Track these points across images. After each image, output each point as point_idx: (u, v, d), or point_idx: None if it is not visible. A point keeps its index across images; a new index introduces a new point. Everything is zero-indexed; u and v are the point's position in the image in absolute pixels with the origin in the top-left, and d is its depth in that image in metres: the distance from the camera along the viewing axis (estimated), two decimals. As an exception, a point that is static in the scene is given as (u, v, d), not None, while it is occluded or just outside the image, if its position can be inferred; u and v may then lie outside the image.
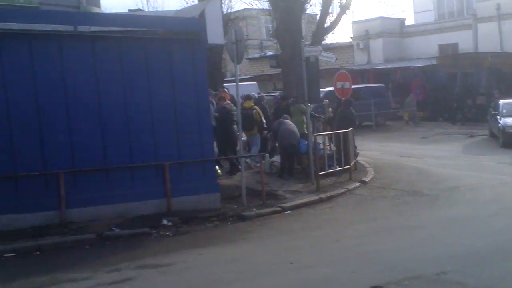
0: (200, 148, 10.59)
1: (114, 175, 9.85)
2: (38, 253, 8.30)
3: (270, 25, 38.21)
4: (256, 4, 28.78)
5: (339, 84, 15.34)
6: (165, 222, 9.65)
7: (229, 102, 14.45)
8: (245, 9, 35.93)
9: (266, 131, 14.67)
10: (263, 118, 14.66)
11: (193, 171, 10.50)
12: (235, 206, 10.79)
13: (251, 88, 24.28)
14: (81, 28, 10.14)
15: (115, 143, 9.88)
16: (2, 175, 8.99)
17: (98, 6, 16.89)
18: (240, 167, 11.86)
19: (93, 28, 10.44)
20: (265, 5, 26.53)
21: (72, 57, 9.63)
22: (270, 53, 37.33)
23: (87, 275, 7.08)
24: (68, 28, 10.02)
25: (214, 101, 14.05)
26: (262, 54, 40.05)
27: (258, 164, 12.40)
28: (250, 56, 38.82)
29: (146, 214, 9.90)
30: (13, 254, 8.17)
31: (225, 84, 22.19)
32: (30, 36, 9.39)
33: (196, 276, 7.01)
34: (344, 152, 13.52)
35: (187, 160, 10.42)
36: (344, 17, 21.84)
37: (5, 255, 8.12)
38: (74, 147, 9.56)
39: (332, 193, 11.86)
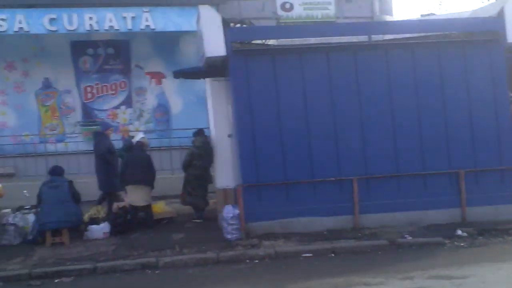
0: (499, 155, 9.96)
1: (406, 182, 9.82)
2: (332, 255, 8.69)
3: None
4: None
5: None
6: (459, 232, 9.27)
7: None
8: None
9: None
10: None
11: (491, 179, 9.92)
12: (541, 220, 9.85)
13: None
14: (375, 37, 10.39)
15: (407, 150, 9.86)
16: (303, 180, 9.67)
17: (391, 14, 17.11)
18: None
19: (386, 36, 10.62)
20: None
21: (366, 66, 9.92)
22: None
23: (380, 280, 7.18)
24: (363, 38, 10.36)
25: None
26: None
27: None
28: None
29: (439, 223, 9.67)
30: (310, 255, 8.67)
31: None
32: (327, 49, 9.94)
33: (494, 292, 6.58)
34: None
35: (484, 167, 9.89)
36: None
37: (303, 255, 8.68)
38: (366, 154, 9.82)
39: None
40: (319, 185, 9.70)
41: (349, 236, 9.28)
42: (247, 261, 8.56)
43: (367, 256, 8.53)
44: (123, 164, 11.09)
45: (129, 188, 10.94)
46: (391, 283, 7.05)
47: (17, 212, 10.70)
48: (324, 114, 9.82)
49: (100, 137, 11.86)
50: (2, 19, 13.81)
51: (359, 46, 10.05)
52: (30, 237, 10.08)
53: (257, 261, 8.55)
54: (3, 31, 13.93)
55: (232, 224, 9.44)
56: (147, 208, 11.00)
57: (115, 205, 10.94)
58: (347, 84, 9.89)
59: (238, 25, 11.13)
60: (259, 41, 10.28)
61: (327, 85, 9.85)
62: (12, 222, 10.21)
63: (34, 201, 10.53)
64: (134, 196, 10.86)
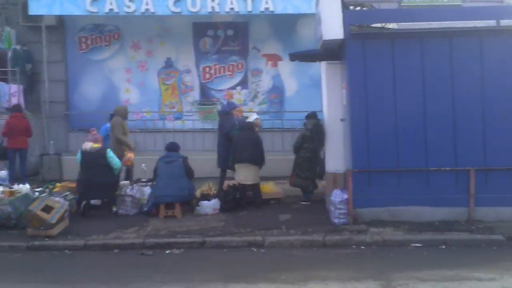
0: None
1: (528, 176, 9.26)
2: (443, 247, 8.38)
3: None
4: None
5: None
6: None
7: None
8: None
9: None
10: None
11: None
12: None
13: None
14: (504, 23, 9.79)
15: (532, 143, 9.27)
16: (416, 168, 9.38)
17: (523, -2, 16.04)
18: None
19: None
20: None
21: (493, 53, 9.37)
22: None
23: (492, 276, 6.83)
24: (490, 23, 9.80)
25: None
26: None
27: None
28: None
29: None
30: (420, 245, 8.43)
31: None
32: (450, 33, 9.49)
33: None
34: None
35: None
36: None
37: (412, 245, 8.46)
38: (486, 145, 9.32)
39: None
40: (433, 174, 9.35)
41: (462, 229, 8.88)
42: (353, 246, 8.47)
43: (480, 251, 8.15)
44: (234, 143, 11.29)
45: (238, 166, 11.15)
46: (506, 280, 6.69)
47: (135, 185, 11.26)
48: (443, 101, 9.42)
49: (225, 116, 12.11)
50: (131, 1, 14.45)
51: (486, 32, 9.51)
52: (145, 209, 10.58)
53: (363, 247, 8.45)
54: (131, 12, 14.56)
55: (339, 209, 9.35)
56: (255, 187, 11.16)
57: (226, 183, 11.19)
58: (471, 71, 9.41)
59: (358, 8, 10.89)
60: (378, 25, 10.02)
61: (448, 71, 9.44)
62: (129, 194, 10.74)
63: (151, 175, 11.04)
64: (242, 174, 11.06)
